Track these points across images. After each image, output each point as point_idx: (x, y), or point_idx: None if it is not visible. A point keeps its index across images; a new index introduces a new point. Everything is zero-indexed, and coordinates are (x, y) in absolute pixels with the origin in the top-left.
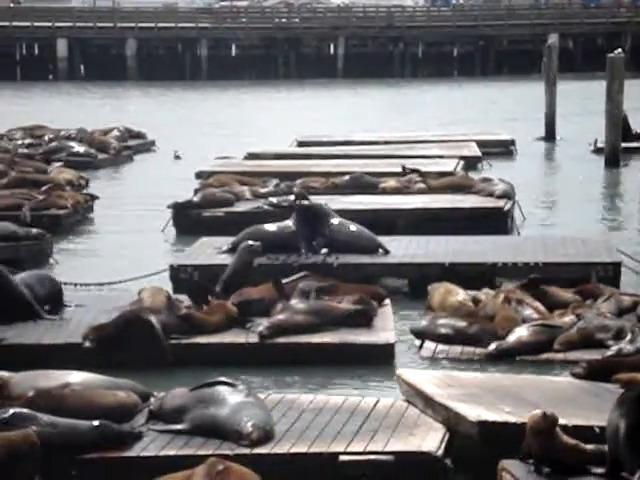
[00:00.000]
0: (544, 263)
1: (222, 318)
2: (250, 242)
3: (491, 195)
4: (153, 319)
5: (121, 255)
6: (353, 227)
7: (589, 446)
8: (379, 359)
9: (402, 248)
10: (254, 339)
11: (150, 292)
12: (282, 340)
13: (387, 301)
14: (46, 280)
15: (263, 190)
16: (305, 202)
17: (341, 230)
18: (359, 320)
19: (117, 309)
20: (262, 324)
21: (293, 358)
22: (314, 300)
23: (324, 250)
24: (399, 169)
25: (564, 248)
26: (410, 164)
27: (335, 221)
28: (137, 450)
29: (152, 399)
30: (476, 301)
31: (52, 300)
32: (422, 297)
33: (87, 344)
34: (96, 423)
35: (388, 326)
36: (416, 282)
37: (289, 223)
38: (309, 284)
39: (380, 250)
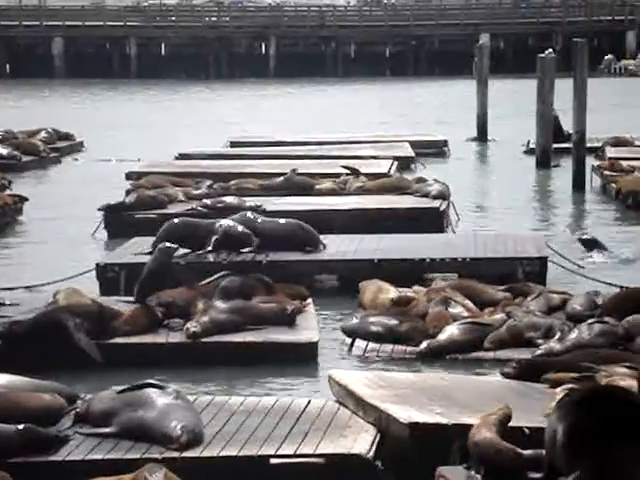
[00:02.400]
0: (472, 258)
1: (142, 320)
2: (166, 244)
3: (426, 196)
4: (68, 319)
5: (51, 258)
6: (285, 222)
7: (526, 451)
8: (303, 357)
9: (334, 246)
10: (175, 339)
11: (66, 293)
12: (205, 340)
13: (309, 300)
14: None
15: (196, 192)
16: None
17: (272, 227)
18: (282, 319)
19: (32, 310)
20: (190, 324)
21: (216, 357)
22: (236, 299)
23: (247, 249)
24: (333, 170)
25: (493, 244)
26: (343, 164)
27: (265, 221)
28: (63, 454)
29: (79, 402)
30: (407, 299)
31: None
32: (352, 294)
33: None
34: (21, 427)
35: (311, 325)
36: (346, 279)
37: (211, 221)
38: (230, 283)
39: (320, 246)
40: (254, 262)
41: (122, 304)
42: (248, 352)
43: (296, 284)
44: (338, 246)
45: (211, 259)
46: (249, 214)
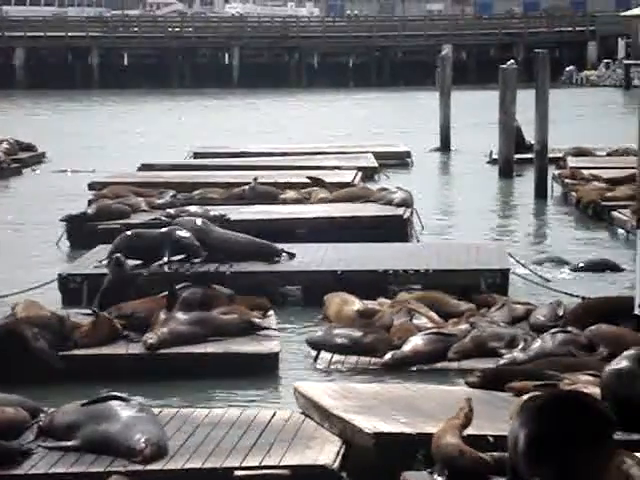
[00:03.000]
0: (435, 270)
1: (102, 331)
2: (116, 255)
3: (390, 203)
4: (27, 331)
5: (13, 269)
6: (244, 237)
7: (489, 455)
8: (264, 369)
9: (298, 256)
10: (135, 350)
11: (24, 305)
12: (165, 351)
13: (271, 311)
14: None
15: (159, 201)
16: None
17: (229, 239)
18: (243, 330)
19: None
20: (147, 335)
21: (177, 369)
22: (197, 311)
23: (198, 260)
24: (297, 180)
25: (457, 255)
26: (308, 175)
27: (221, 232)
28: (26, 468)
29: (42, 415)
30: (371, 311)
31: None
32: (316, 305)
33: None
34: None
35: (272, 335)
36: (309, 290)
37: (162, 230)
38: (192, 294)
39: (284, 254)
40: (217, 273)
41: (82, 316)
42: (209, 363)
43: (260, 295)
44: (302, 256)
45: (166, 269)
46: (199, 222)
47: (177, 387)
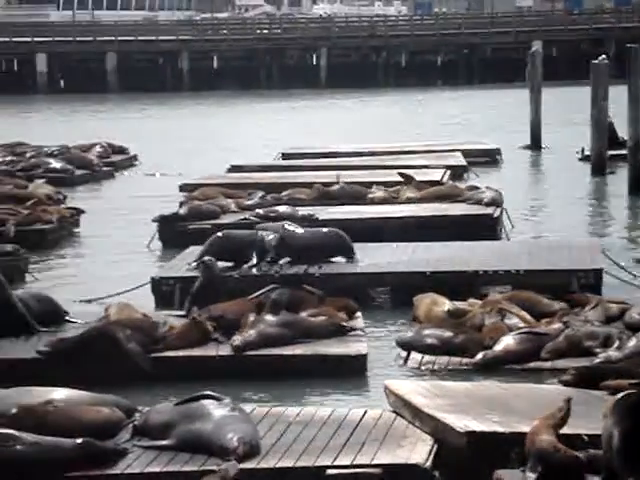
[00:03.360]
0: (526, 270)
1: (193, 334)
2: (206, 258)
3: (479, 203)
4: (119, 333)
5: (107, 270)
6: (321, 230)
7: (584, 453)
8: (352, 370)
9: (386, 256)
10: (226, 352)
11: (117, 308)
12: (254, 353)
13: (359, 313)
14: (43, 298)
15: (249, 202)
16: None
17: (309, 234)
18: (331, 332)
19: (84, 325)
20: (234, 337)
21: (265, 371)
22: (285, 313)
23: (285, 260)
24: (385, 179)
25: (548, 254)
26: (399, 171)
27: (302, 229)
28: (122, 467)
29: (137, 414)
30: (462, 312)
31: (51, 316)
32: (405, 306)
33: (41, 357)
34: (80, 441)
35: (360, 337)
36: (398, 291)
37: (257, 232)
38: (281, 296)
39: (353, 255)
40: (307, 274)
41: (173, 318)
42: (297, 365)
43: (348, 296)
44: (390, 256)
45: (255, 271)
46: (286, 225)
47: (266, 388)
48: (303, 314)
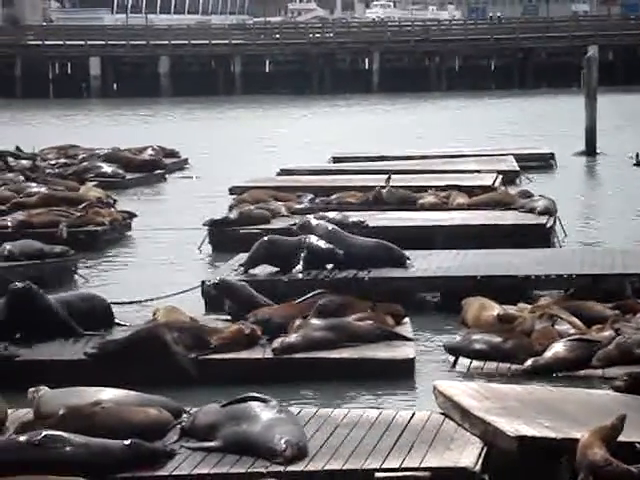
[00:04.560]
0: (578, 275)
1: (240, 337)
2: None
3: (532, 211)
4: (167, 335)
5: (157, 273)
6: (371, 241)
7: (637, 467)
8: (399, 375)
9: (436, 262)
10: (271, 355)
11: (165, 311)
12: (300, 356)
13: (406, 318)
14: (89, 299)
15: (299, 206)
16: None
17: (358, 244)
18: (377, 336)
19: (132, 327)
20: (277, 340)
21: (312, 374)
22: (332, 317)
23: (330, 266)
24: (436, 184)
25: (601, 260)
26: (448, 179)
27: (351, 238)
28: (170, 469)
29: (184, 416)
30: (511, 317)
31: (100, 318)
32: (455, 311)
33: (89, 359)
34: (128, 442)
35: (407, 342)
36: (448, 295)
37: (304, 237)
38: (328, 301)
39: (406, 261)
40: (356, 279)
41: (221, 322)
42: (343, 369)
43: (397, 301)
44: (440, 262)
45: (300, 276)
46: (330, 227)
47: (312, 392)
48: (350, 318)
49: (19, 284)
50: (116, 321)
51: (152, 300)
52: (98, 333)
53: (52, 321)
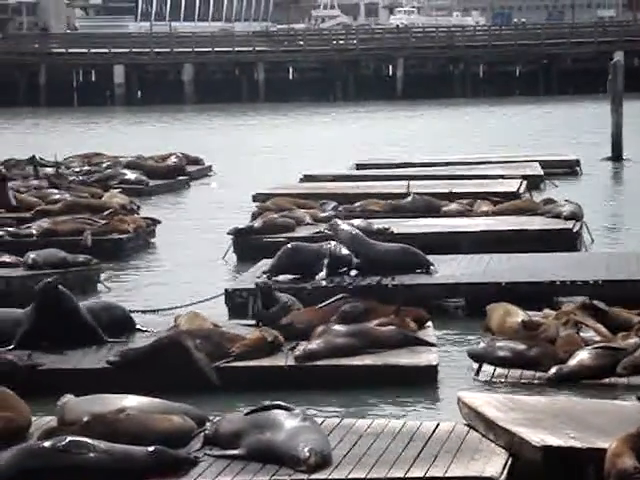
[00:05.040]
0: (604, 281)
1: (263, 343)
2: (259, 281)
3: (558, 216)
4: (189, 342)
5: (181, 281)
6: (395, 246)
7: None
8: (422, 381)
9: (461, 267)
10: (293, 362)
11: (187, 318)
12: (322, 363)
13: (429, 323)
14: (113, 307)
15: (323, 214)
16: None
17: (381, 250)
18: (401, 342)
19: (154, 334)
20: (299, 347)
21: (334, 380)
22: (355, 323)
23: (354, 272)
24: (461, 190)
25: (627, 265)
26: (471, 185)
27: (374, 244)
28: (193, 476)
29: (208, 423)
30: (536, 323)
31: (121, 326)
32: (479, 317)
33: (111, 367)
34: (151, 449)
35: (431, 348)
36: (473, 302)
37: (327, 244)
38: (352, 307)
39: (431, 267)
40: (380, 285)
41: (243, 329)
42: (366, 375)
43: (421, 307)
44: (465, 267)
45: (324, 283)
46: (354, 232)
47: (334, 398)
48: (372, 324)
49: (47, 280)
50: (138, 327)
51: (174, 309)
52: (121, 340)
53: (77, 322)
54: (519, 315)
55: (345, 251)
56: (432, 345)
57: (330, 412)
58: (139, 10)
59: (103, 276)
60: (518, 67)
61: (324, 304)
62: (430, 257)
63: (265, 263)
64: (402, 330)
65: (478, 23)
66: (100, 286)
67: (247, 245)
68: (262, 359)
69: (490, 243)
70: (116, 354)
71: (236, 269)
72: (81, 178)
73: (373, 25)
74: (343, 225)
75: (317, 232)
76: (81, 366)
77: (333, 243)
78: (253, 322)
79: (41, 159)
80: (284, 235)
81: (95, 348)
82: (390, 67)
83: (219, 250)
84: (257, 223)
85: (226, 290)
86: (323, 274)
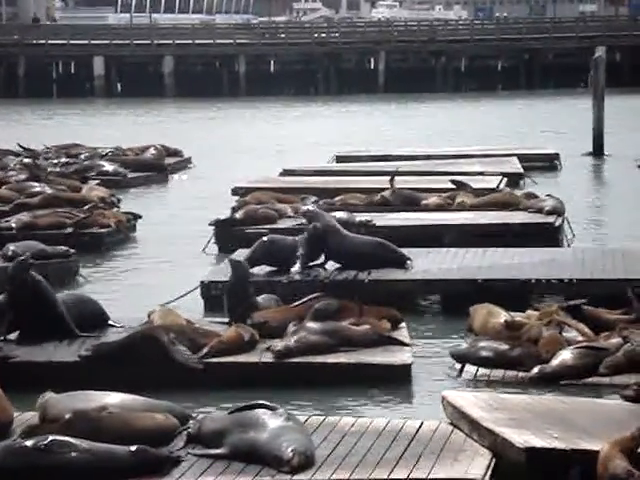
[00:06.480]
0: (578, 280)
1: (237, 340)
2: (232, 257)
3: (540, 211)
4: (164, 337)
5: (161, 274)
6: (370, 240)
7: None
8: (396, 380)
9: (437, 262)
10: (268, 359)
11: (160, 313)
12: (296, 360)
13: (403, 323)
14: (86, 301)
15: (304, 207)
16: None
17: (357, 243)
18: (374, 341)
19: (127, 329)
20: (277, 344)
21: (308, 378)
22: (328, 321)
23: (332, 265)
24: (440, 185)
25: (602, 262)
26: (452, 179)
27: (350, 237)
28: (175, 475)
29: (191, 422)
30: (519, 324)
31: (93, 320)
32: (456, 314)
33: (82, 360)
34: (134, 448)
35: (404, 347)
36: (448, 299)
37: (296, 238)
38: (325, 305)
39: (407, 262)
40: (356, 281)
41: (218, 325)
42: (340, 374)
43: (397, 303)
44: (441, 263)
45: (297, 277)
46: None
47: (309, 396)
48: (346, 322)
49: (20, 259)
50: (110, 322)
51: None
52: (94, 335)
53: (50, 307)
54: (502, 315)
55: (314, 243)
56: (406, 345)
57: (304, 410)
58: (119, 2)
59: (82, 270)
60: (500, 61)
61: (298, 302)
62: (406, 250)
63: (240, 253)
64: (376, 329)
65: (460, 17)
66: (79, 278)
67: (228, 236)
68: (236, 356)
69: (472, 237)
70: (88, 348)
71: (217, 261)
72: (59, 170)
73: (355, 18)
74: (320, 215)
75: (299, 224)
76: (53, 359)
77: (305, 234)
78: (226, 320)
79: (20, 146)
80: (266, 226)
81: (67, 342)
82: (372, 60)
83: (199, 243)
84: (239, 214)
85: (202, 282)
86: (297, 267)
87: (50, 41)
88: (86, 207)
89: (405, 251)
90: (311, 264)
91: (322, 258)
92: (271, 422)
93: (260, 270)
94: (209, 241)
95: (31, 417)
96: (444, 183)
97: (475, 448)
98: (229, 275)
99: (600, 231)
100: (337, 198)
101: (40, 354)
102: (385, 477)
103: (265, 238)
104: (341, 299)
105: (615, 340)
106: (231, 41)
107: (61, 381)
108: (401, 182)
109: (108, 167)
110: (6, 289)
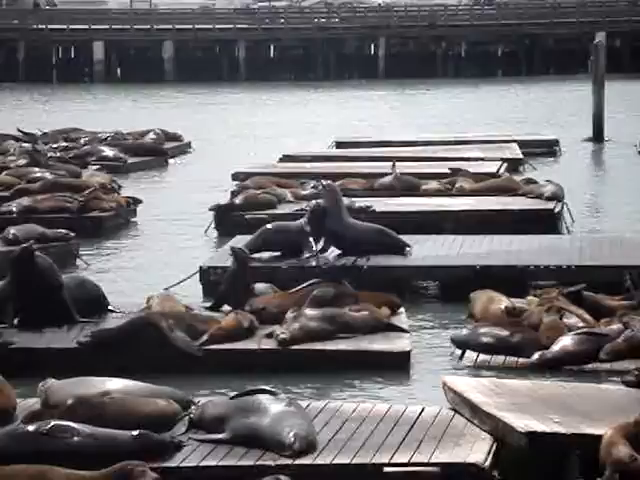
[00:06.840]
0: (576, 266)
1: (235, 326)
2: (236, 246)
3: (540, 197)
4: (162, 323)
5: (161, 258)
6: (372, 227)
7: None
8: (395, 367)
9: (436, 249)
10: (267, 346)
11: (159, 299)
12: (297, 347)
13: (402, 309)
14: (87, 285)
15: (304, 192)
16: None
17: (357, 229)
18: (373, 328)
19: (126, 315)
20: (280, 331)
21: (307, 365)
22: (327, 308)
23: (332, 251)
24: (440, 170)
25: (600, 249)
26: (452, 166)
27: (353, 222)
28: (177, 460)
29: (193, 407)
30: (519, 310)
31: (93, 305)
32: (454, 300)
33: (80, 347)
34: (136, 433)
35: (403, 334)
36: (447, 285)
37: (299, 222)
38: (323, 292)
39: (406, 249)
40: (354, 267)
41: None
42: (339, 360)
43: (396, 289)
44: (440, 249)
45: (303, 263)
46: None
47: (309, 383)
48: (345, 309)
49: (24, 245)
50: (110, 308)
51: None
52: (93, 321)
53: (56, 302)
54: (502, 302)
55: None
56: (405, 331)
57: (304, 397)
58: None
59: (82, 254)
60: (500, 47)
61: (297, 288)
62: (405, 237)
63: (239, 240)
64: (375, 316)
65: (460, 2)
66: (79, 262)
67: (228, 221)
68: (235, 343)
69: (472, 222)
70: (87, 334)
71: (216, 246)
72: (59, 154)
73: (355, 3)
74: (329, 193)
75: (299, 210)
76: (52, 345)
77: (302, 220)
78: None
79: (20, 131)
80: (266, 212)
81: (67, 328)
82: (372, 46)
83: (198, 227)
84: (238, 199)
85: (200, 267)
86: (307, 252)
87: (50, 26)
88: (86, 192)
89: (405, 238)
90: (319, 247)
91: (323, 242)
92: (273, 407)
93: (259, 256)
94: (209, 226)
95: (34, 403)
96: (444, 168)
97: (476, 433)
98: (230, 262)
99: (599, 217)
100: (337, 183)
101: (39, 341)
102: (386, 462)
103: (269, 225)
104: (338, 285)
105: (615, 326)
106: (231, 26)
107: (61, 367)
108: (401, 168)
109: (108, 152)
110: (9, 275)
